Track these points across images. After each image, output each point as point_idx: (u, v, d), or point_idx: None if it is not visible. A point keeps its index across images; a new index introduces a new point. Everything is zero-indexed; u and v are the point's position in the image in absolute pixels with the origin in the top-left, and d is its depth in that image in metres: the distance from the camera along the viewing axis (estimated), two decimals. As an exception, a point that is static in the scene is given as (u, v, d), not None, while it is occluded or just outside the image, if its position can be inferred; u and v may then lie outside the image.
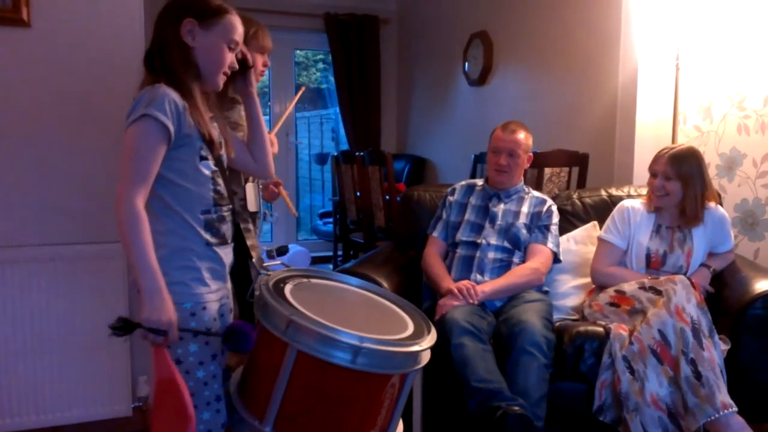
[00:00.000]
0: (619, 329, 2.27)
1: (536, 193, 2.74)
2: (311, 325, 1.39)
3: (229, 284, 1.70)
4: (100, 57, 2.42)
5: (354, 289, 1.78)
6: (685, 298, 2.18)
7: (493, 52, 4.81)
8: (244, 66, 1.72)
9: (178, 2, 1.55)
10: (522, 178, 2.75)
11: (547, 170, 3.46)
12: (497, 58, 4.80)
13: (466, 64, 5.11)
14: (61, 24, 2.38)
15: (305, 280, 1.69)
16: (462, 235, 2.63)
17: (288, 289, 1.57)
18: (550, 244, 2.60)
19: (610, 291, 2.45)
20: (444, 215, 2.74)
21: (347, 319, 1.48)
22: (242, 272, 1.89)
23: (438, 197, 2.89)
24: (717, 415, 2.01)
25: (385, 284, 2.46)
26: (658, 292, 2.26)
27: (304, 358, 1.40)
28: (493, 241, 2.59)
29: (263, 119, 1.79)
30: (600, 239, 2.63)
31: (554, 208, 2.69)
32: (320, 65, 7.31)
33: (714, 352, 2.11)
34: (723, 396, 2.04)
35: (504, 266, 2.56)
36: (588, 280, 2.65)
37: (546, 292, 2.61)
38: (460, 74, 5.25)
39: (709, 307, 2.22)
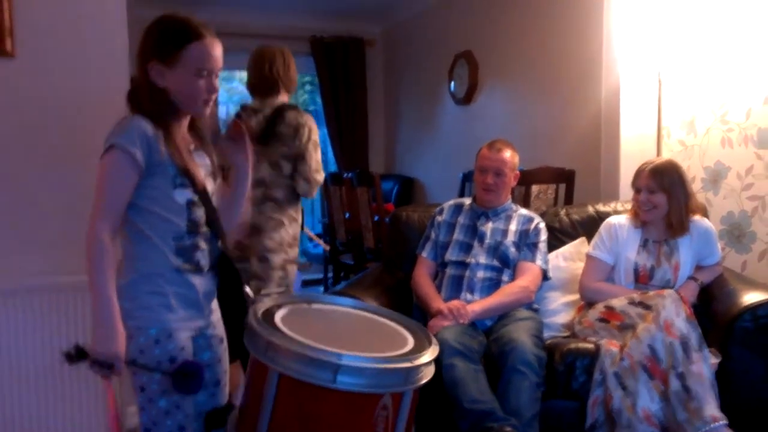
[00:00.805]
0: (610, 345, 2.27)
1: (524, 211, 2.74)
2: (288, 344, 1.35)
3: (214, 316, 1.66)
4: (84, 87, 2.42)
5: (355, 311, 1.76)
6: (675, 313, 2.19)
7: (478, 71, 4.86)
8: (239, 134, 1.67)
9: (144, 44, 1.54)
10: (510, 196, 2.76)
11: (535, 187, 3.47)
12: (482, 77, 4.84)
13: (452, 83, 5.15)
14: (45, 54, 2.38)
15: (305, 305, 1.67)
16: (451, 255, 2.63)
17: (280, 314, 1.54)
18: (539, 262, 2.60)
19: (600, 307, 2.45)
20: (433, 235, 2.74)
21: (351, 342, 1.43)
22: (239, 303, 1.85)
23: (426, 217, 2.89)
24: (707, 428, 2.01)
25: (374, 306, 2.44)
26: (648, 307, 2.27)
27: (286, 381, 1.36)
28: (482, 260, 2.59)
29: (249, 193, 1.74)
30: (588, 255, 2.63)
31: (542, 225, 2.70)
32: (307, 87, 7.34)
33: (703, 365, 2.11)
34: (712, 409, 2.04)
35: (493, 285, 2.56)
36: (577, 296, 2.65)
37: (536, 310, 2.60)
38: (446, 93, 5.29)
39: (699, 320, 2.22)
